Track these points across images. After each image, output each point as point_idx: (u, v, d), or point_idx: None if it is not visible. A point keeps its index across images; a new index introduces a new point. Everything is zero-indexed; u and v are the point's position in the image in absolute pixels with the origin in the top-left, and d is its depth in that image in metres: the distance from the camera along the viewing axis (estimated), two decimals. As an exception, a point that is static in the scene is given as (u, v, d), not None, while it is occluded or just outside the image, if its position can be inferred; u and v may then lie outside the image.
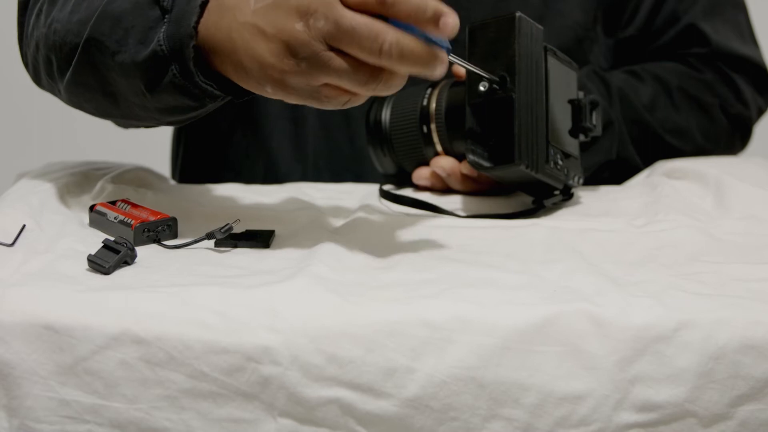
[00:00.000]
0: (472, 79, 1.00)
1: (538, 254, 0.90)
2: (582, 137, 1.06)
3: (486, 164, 0.99)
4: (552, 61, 1.03)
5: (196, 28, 0.86)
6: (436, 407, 0.77)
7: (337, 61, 0.82)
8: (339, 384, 0.77)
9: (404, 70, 0.83)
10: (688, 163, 1.14)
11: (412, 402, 0.77)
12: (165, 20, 0.89)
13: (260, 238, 0.92)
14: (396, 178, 1.13)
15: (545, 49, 1.02)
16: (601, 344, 0.78)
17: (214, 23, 0.86)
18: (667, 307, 0.79)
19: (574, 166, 1.04)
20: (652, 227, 0.97)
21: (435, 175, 1.09)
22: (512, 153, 0.98)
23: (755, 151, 1.34)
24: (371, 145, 1.12)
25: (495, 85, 0.99)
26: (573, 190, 1.05)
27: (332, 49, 0.82)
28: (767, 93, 1.30)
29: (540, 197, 1.03)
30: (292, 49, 0.82)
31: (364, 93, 0.84)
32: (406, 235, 0.95)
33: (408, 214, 1.02)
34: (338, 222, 0.98)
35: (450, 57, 0.87)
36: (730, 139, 1.27)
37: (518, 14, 1.00)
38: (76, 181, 1.06)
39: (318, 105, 0.85)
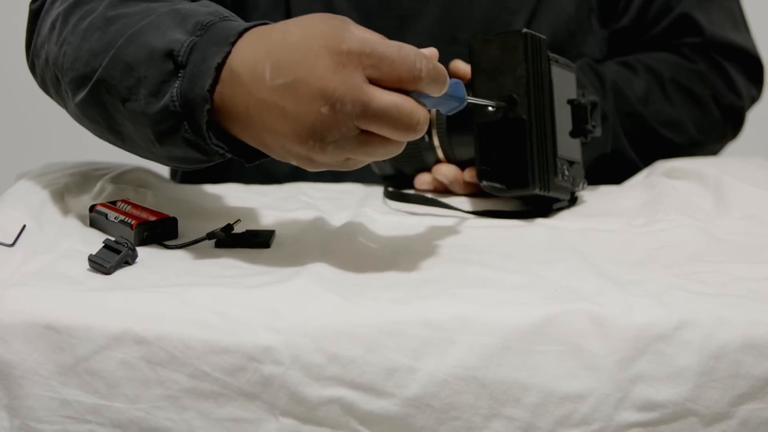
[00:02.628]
0: (480, 96, 1.00)
1: (539, 254, 0.90)
2: (582, 138, 1.06)
3: (499, 187, 1.00)
4: (555, 70, 1.02)
5: (211, 91, 0.83)
6: (437, 407, 0.77)
7: (365, 141, 0.80)
8: (340, 383, 0.77)
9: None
10: (687, 163, 1.15)
11: (414, 401, 0.77)
12: (179, 75, 0.85)
13: (261, 238, 0.92)
14: (394, 180, 1.13)
15: (548, 59, 1.02)
16: (601, 344, 0.78)
17: (230, 95, 0.83)
18: (668, 307, 0.79)
19: (578, 173, 1.04)
20: (652, 227, 0.97)
21: (437, 180, 1.09)
22: (526, 179, 0.98)
23: (755, 151, 1.34)
24: None
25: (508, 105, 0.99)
26: (577, 194, 1.05)
27: (361, 130, 0.80)
28: (760, 82, 1.30)
29: (546, 206, 1.03)
30: (318, 133, 0.79)
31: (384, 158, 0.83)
32: (407, 235, 0.95)
33: (408, 214, 1.02)
34: (338, 222, 0.98)
35: (469, 100, 0.86)
36: (722, 129, 1.27)
37: (525, 30, 0.99)
38: (76, 181, 1.06)
39: (342, 169, 0.83)
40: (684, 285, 0.83)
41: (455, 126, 1.06)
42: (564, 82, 1.04)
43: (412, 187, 1.12)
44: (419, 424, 0.77)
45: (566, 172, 1.01)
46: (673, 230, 0.95)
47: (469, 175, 1.07)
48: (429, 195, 1.08)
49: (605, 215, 1.03)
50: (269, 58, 0.81)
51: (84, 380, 0.78)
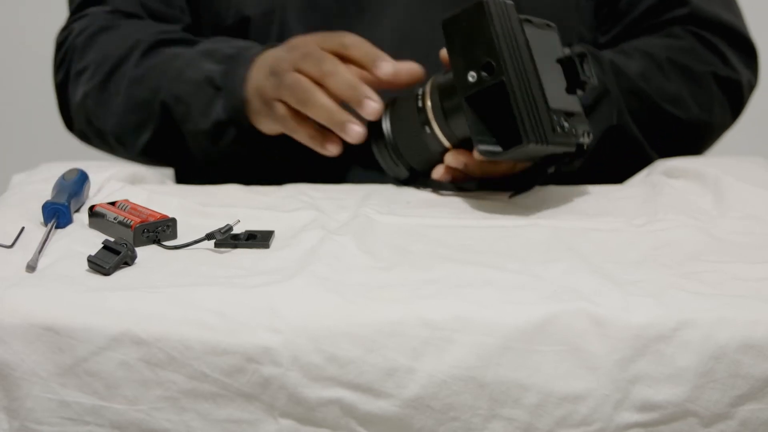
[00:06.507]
0: (459, 72, 1.02)
1: (538, 254, 0.90)
2: (580, 92, 1.06)
3: (496, 150, 1.01)
4: (530, 30, 1.04)
5: (244, 98, 1.13)
6: (436, 407, 0.77)
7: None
8: (339, 384, 0.77)
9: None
10: (687, 163, 1.14)
11: (413, 402, 0.77)
12: (219, 95, 1.14)
13: (260, 238, 0.92)
14: (410, 180, 1.13)
15: (520, 21, 1.03)
16: (601, 344, 0.78)
17: (249, 95, 1.14)
18: (667, 307, 0.79)
19: (580, 122, 1.05)
20: (651, 227, 0.97)
21: (451, 169, 1.09)
22: (518, 135, 0.99)
23: (755, 151, 1.34)
24: (380, 156, 1.12)
25: (484, 73, 1.00)
26: (585, 147, 1.06)
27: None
28: (754, 63, 1.29)
29: (558, 165, 1.04)
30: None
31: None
32: (406, 235, 0.95)
33: (408, 215, 1.02)
34: (338, 222, 0.98)
35: None
36: (722, 106, 1.26)
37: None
38: (75, 181, 1.05)
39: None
40: (683, 285, 0.83)
41: (449, 109, 1.07)
42: (544, 42, 1.05)
43: (428, 183, 1.12)
44: (418, 425, 0.77)
45: (564, 124, 1.02)
46: (673, 230, 0.95)
47: (478, 154, 1.07)
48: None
49: (605, 215, 1.02)
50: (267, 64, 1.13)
51: (83, 381, 0.78)
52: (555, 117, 1.01)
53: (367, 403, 0.77)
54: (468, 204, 1.07)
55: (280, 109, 1.11)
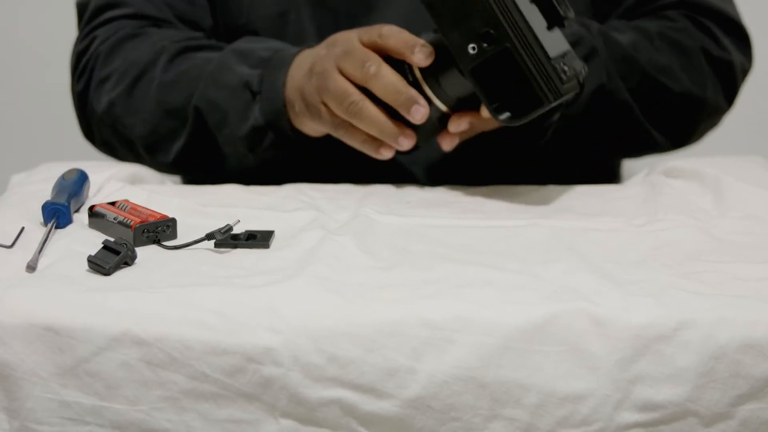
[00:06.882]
0: (457, 46, 1.01)
1: (538, 254, 0.90)
2: (561, 27, 1.06)
3: (516, 116, 1.02)
4: None
5: (283, 102, 1.11)
6: (437, 407, 0.77)
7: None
8: (340, 384, 0.77)
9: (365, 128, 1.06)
10: (687, 163, 1.14)
11: (414, 402, 0.77)
12: (256, 100, 1.12)
13: (260, 239, 0.92)
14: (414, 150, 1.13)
15: None
16: (601, 344, 0.78)
17: (290, 98, 1.11)
18: (668, 307, 0.79)
19: (573, 59, 1.05)
20: (651, 227, 0.97)
21: (458, 135, 1.09)
22: (537, 98, 1.00)
23: (755, 151, 1.34)
24: None
25: (484, 43, 1.00)
26: (582, 80, 1.06)
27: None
28: (747, 49, 1.29)
29: (567, 107, 1.06)
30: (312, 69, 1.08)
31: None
32: (406, 235, 0.95)
33: (408, 215, 1.02)
34: (338, 222, 0.98)
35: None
36: (715, 84, 1.25)
37: None
38: (75, 181, 1.05)
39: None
40: (684, 285, 0.83)
41: (439, 69, 1.06)
42: None
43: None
44: (419, 425, 0.77)
45: (565, 68, 1.02)
46: (673, 230, 0.95)
47: (485, 111, 1.06)
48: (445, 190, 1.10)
49: (605, 215, 1.02)
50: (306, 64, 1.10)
51: (84, 381, 0.78)
52: (556, 65, 1.02)
53: (368, 404, 0.77)
54: (468, 204, 1.07)
55: (326, 113, 1.07)
